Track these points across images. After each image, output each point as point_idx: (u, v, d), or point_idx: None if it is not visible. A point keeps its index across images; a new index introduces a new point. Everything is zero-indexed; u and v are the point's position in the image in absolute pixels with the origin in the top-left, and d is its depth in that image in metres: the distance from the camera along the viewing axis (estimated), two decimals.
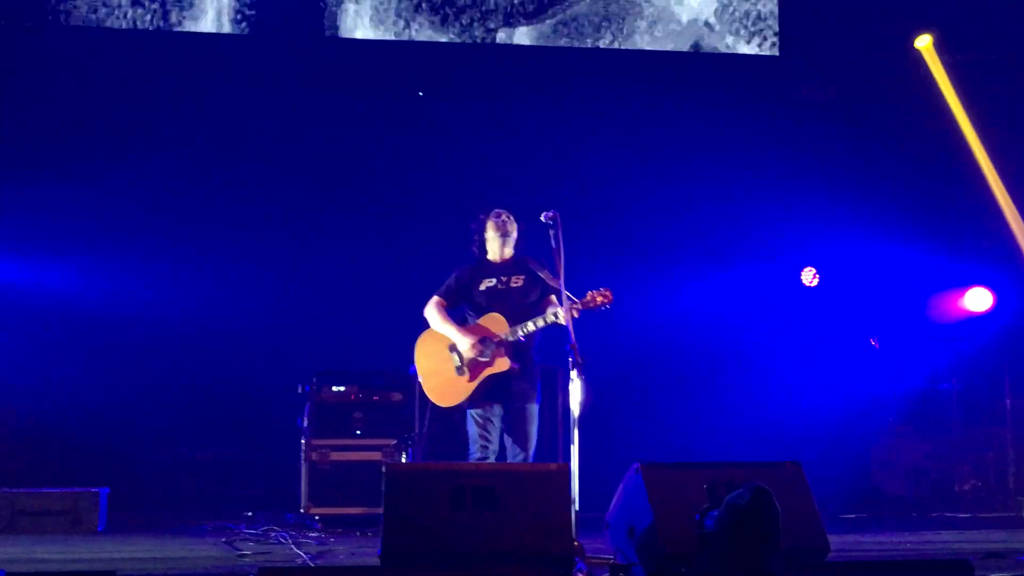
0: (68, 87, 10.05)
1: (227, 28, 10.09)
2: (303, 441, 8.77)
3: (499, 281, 7.41)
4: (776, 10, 10.69)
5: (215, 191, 10.29)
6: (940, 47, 10.68)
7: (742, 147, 10.62)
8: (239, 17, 10.10)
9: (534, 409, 7.29)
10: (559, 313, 6.93)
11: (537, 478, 6.00)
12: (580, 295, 7.00)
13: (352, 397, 8.91)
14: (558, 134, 10.44)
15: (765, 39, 10.68)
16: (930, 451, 9.97)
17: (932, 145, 10.79)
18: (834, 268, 10.46)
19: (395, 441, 8.64)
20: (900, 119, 10.83)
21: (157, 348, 10.01)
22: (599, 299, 7.04)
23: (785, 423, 10.03)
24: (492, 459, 7.26)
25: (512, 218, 7.45)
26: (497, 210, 7.50)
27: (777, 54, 10.75)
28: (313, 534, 8.06)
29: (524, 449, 7.24)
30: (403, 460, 8.47)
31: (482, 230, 7.52)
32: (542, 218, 7.03)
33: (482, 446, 7.27)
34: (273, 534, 7.94)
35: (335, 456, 8.70)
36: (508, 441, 7.30)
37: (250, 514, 9.12)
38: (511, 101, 10.51)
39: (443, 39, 10.31)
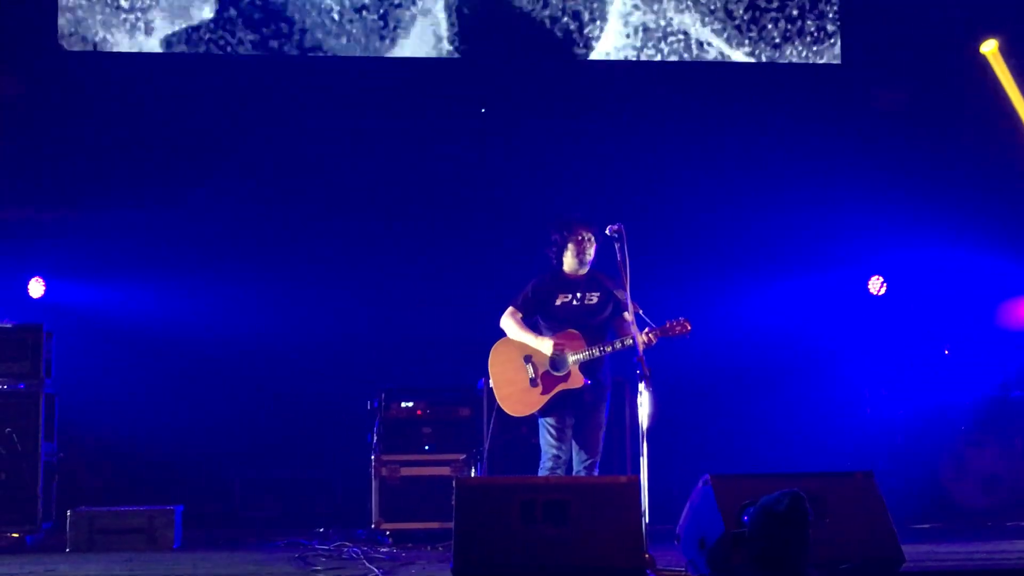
0: (134, 114, 10.23)
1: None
2: (373, 457, 8.83)
3: (575, 297, 7.55)
4: (837, 17, 10.67)
5: (283, 212, 10.41)
6: (1006, 51, 10.57)
7: (807, 156, 10.56)
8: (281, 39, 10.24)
9: (603, 419, 7.49)
10: (636, 339, 7.00)
11: (607, 491, 6.03)
12: (648, 311, 7.14)
13: (420, 413, 8.97)
14: (622, 145, 10.46)
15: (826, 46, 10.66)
16: (1003, 459, 9.83)
17: (1000, 150, 10.67)
18: (903, 276, 10.37)
19: (464, 456, 8.68)
20: (967, 125, 10.71)
21: (229, 368, 10.12)
22: (677, 329, 7.21)
23: (855, 433, 9.95)
24: (564, 469, 7.40)
25: (593, 239, 7.56)
26: (580, 230, 7.59)
27: (839, 62, 10.71)
28: (384, 549, 8.11)
29: (592, 455, 7.40)
30: (472, 475, 8.51)
31: (563, 244, 7.62)
32: (608, 231, 7.14)
33: (555, 456, 7.41)
34: (345, 550, 8.00)
35: (405, 472, 8.75)
36: (575, 447, 7.46)
37: (322, 530, 9.20)
38: (576, 113, 10.54)
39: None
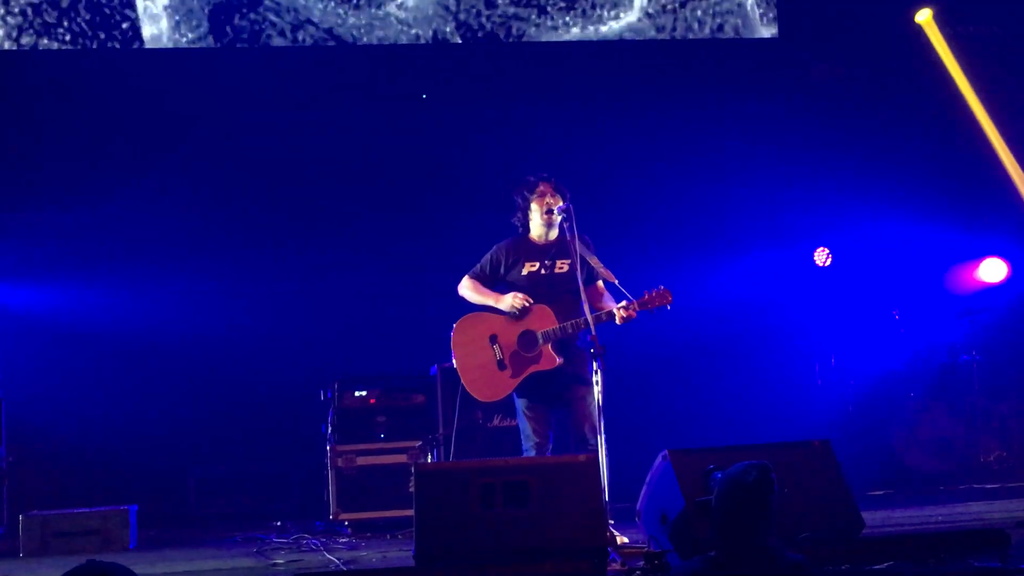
0: (69, 110, 10.10)
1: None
2: (328, 448, 8.78)
3: (543, 266, 7.05)
4: None
5: (228, 206, 10.33)
6: (941, 20, 10.66)
7: (749, 132, 10.61)
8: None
9: (591, 392, 6.65)
10: (587, 315, 6.67)
11: (567, 471, 6.00)
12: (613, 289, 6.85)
13: (374, 401, 8.91)
14: (572, 126, 10.46)
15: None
16: (954, 424, 9.94)
17: (939, 119, 10.78)
18: (849, 247, 10.44)
19: (420, 443, 8.62)
20: (906, 95, 10.82)
21: (178, 364, 10.05)
22: (657, 300, 6.79)
23: (809, 404, 10.04)
24: (548, 453, 6.95)
25: (558, 197, 6.98)
26: (543, 187, 7.04)
27: (777, 35, 10.75)
28: (343, 540, 8.06)
29: (592, 437, 6.69)
30: (429, 461, 8.47)
31: (527, 206, 7.09)
32: (556, 210, 6.98)
33: (536, 444, 6.98)
34: (304, 542, 7.96)
35: (361, 461, 8.70)
36: (573, 436, 6.98)
37: (279, 524, 9.14)
38: (518, 96, 10.52)
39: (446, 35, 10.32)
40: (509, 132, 10.42)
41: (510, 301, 6.97)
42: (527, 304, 6.94)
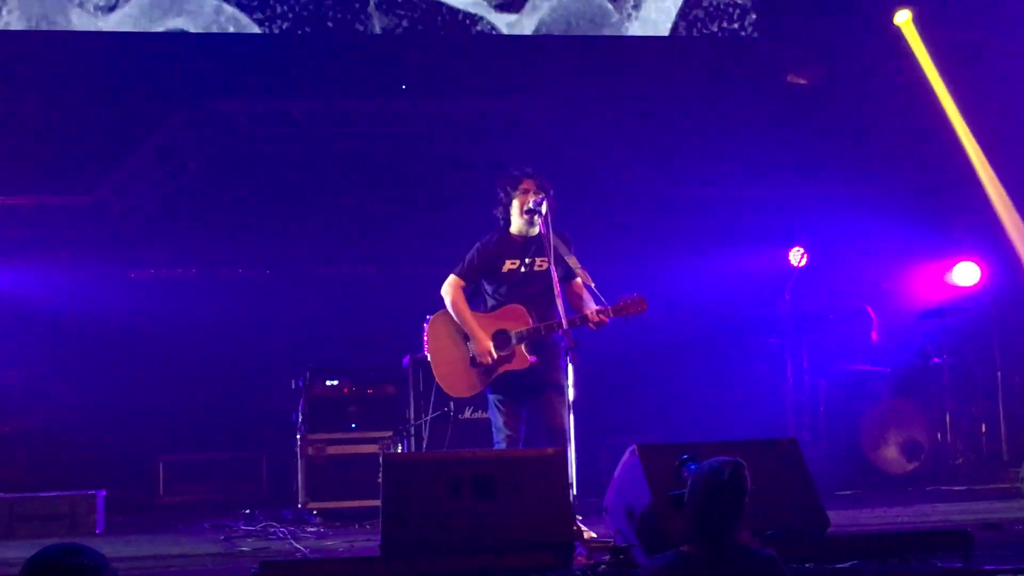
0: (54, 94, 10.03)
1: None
2: (298, 436, 8.77)
3: (523, 263, 7.00)
4: None
5: (201, 193, 10.31)
6: (920, 23, 10.69)
7: (725, 131, 10.63)
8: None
9: (563, 390, 6.77)
10: (560, 310, 6.64)
11: (535, 464, 6.00)
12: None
13: (346, 391, 8.89)
14: (543, 122, 10.44)
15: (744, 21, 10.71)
16: (923, 426, 9.98)
17: (915, 121, 10.81)
18: (823, 247, 10.45)
19: (391, 433, 8.60)
20: (883, 96, 10.83)
21: (149, 349, 10.00)
22: (633, 308, 6.76)
23: (779, 402, 10.07)
24: (520, 446, 6.90)
25: (541, 193, 6.91)
26: (525, 182, 6.98)
27: (756, 36, 10.77)
28: (312, 529, 8.06)
29: (560, 440, 6.68)
30: (400, 451, 8.46)
31: (509, 201, 7.03)
32: (530, 204, 6.96)
33: (508, 435, 6.94)
34: (271, 530, 7.95)
35: (331, 450, 8.69)
36: (545, 430, 6.93)
37: (248, 512, 9.12)
38: (496, 90, 10.51)
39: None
40: (487, 126, 10.41)
41: (481, 349, 6.93)
42: (490, 360, 6.90)
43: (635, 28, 10.51)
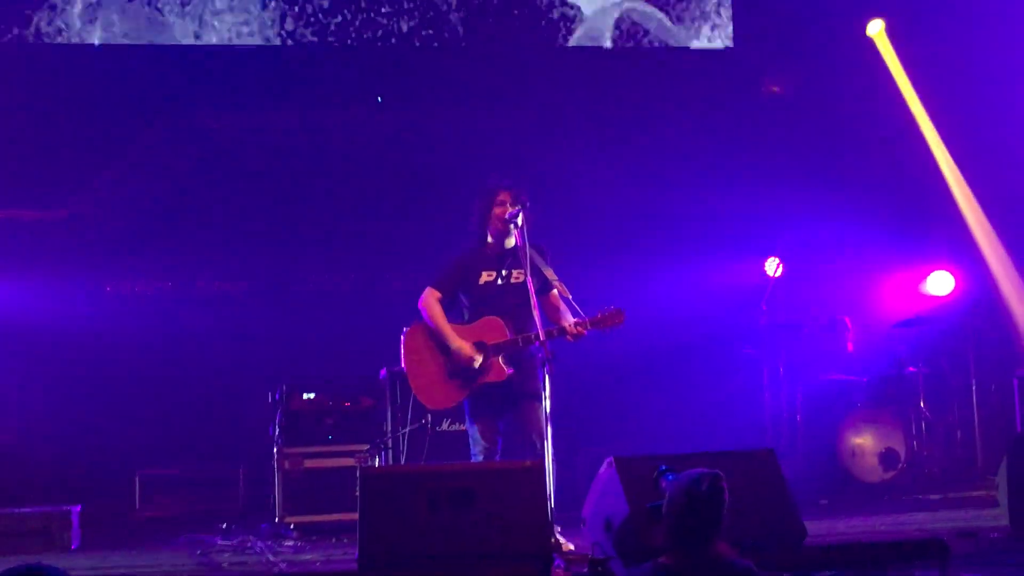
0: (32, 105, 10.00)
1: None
2: (275, 450, 8.72)
3: (499, 275, 7.04)
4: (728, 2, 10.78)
5: (176, 206, 10.28)
6: (892, 34, 10.76)
7: (701, 142, 10.66)
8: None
9: (540, 402, 6.59)
10: (537, 321, 6.65)
11: (512, 476, 6.01)
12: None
13: (323, 404, 8.86)
14: (520, 133, 10.45)
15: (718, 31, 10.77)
16: (899, 435, 10.00)
17: (888, 131, 10.86)
18: (798, 258, 10.48)
19: (368, 446, 8.56)
20: (857, 106, 10.87)
21: (125, 363, 9.96)
22: (610, 321, 6.78)
23: (756, 412, 10.08)
24: (497, 459, 6.95)
25: (518, 205, 6.91)
26: (502, 195, 7.00)
27: (732, 46, 10.81)
28: (289, 543, 8.00)
29: (537, 449, 6.69)
30: (377, 464, 8.43)
31: (486, 212, 7.07)
32: (507, 216, 6.97)
33: (485, 447, 6.98)
34: (248, 545, 7.89)
35: (308, 464, 8.65)
36: (523, 443, 6.96)
37: (225, 526, 9.05)
38: (474, 101, 10.52)
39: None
40: (463, 138, 10.41)
41: (464, 355, 6.94)
42: (473, 361, 6.92)
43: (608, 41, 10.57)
